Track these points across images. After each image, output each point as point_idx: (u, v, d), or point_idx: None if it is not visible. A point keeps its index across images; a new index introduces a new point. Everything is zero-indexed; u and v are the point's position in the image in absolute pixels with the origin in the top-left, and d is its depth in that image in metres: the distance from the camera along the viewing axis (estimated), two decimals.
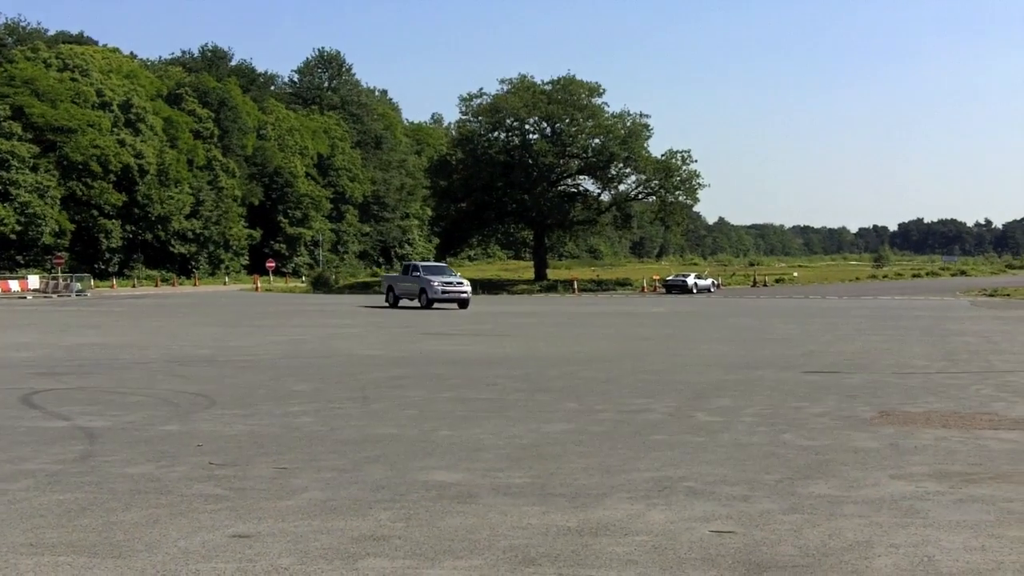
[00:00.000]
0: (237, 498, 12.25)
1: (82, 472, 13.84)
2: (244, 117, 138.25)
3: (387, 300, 68.80)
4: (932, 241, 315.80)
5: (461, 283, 65.31)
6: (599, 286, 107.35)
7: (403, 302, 67.90)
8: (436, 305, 65.09)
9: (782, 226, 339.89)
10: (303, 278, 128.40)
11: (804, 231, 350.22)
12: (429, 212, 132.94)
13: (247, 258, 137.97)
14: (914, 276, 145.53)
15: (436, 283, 64.07)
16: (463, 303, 64.72)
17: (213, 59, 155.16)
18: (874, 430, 17.34)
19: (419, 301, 65.20)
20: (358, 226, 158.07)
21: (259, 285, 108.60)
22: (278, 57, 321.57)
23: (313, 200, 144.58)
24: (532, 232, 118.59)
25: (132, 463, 14.42)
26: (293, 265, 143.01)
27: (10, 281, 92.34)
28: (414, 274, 66.98)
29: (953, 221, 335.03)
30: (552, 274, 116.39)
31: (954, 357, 30.91)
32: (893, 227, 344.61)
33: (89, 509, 11.74)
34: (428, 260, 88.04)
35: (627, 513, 11.55)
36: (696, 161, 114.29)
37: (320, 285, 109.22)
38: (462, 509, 11.70)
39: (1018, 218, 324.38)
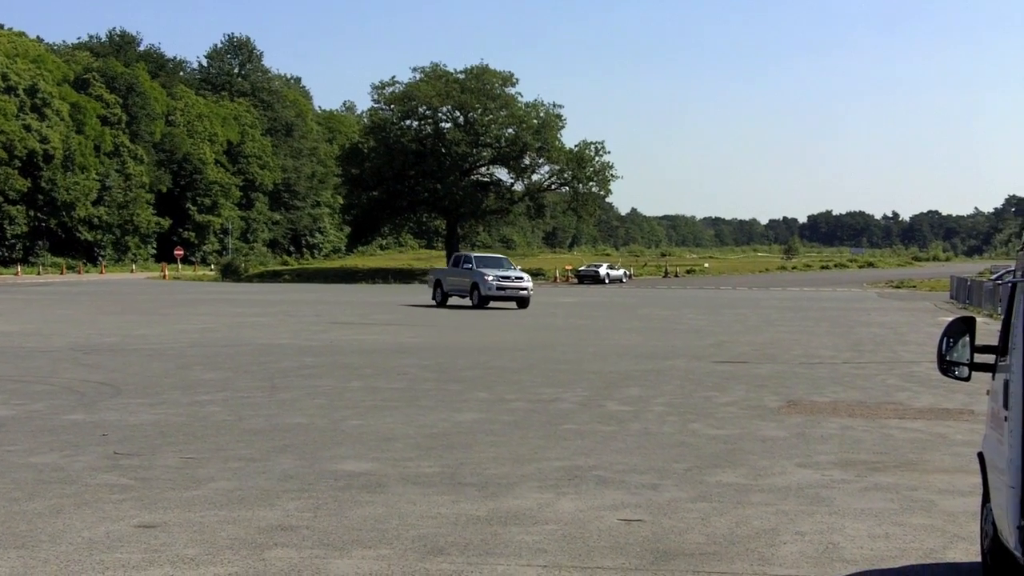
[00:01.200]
0: (143, 488, 12.11)
1: None
2: (152, 103, 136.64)
3: (434, 297, 58.35)
4: (840, 233, 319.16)
5: (521, 278, 55.09)
6: None
7: (453, 299, 57.42)
8: (492, 304, 55.37)
9: (694, 217, 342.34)
10: (212, 266, 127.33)
11: (715, 222, 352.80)
12: (340, 200, 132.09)
13: (155, 246, 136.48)
14: (823, 268, 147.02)
15: (490, 277, 54.12)
16: (522, 302, 54.08)
17: (121, 44, 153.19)
18: (782, 419, 17.54)
19: (471, 299, 55.17)
20: (268, 214, 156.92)
21: (167, 273, 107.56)
22: (187, 42, 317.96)
23: (222, 187, 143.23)
24: (445, 221, 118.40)
25: (36, 452, 14.23)
26: (202, 253, 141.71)
27: None
28: (465, 266, 56.63)
29: (861, 214, 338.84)
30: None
31: (860, 348, 31.36)
32: (803, 219, 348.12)
33: None
34: (480, 252, 70.79)
35: (537, 502, 11.57)
36: (609, 152, 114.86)
37: (229, 274, 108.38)
38: (371, 499, 11.65)
39: (924, 211, 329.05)
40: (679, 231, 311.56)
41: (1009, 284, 8.23)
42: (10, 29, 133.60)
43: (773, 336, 35.45)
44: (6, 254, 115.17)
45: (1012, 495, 7.55)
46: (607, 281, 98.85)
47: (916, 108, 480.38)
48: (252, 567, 9.14)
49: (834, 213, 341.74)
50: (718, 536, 10.23)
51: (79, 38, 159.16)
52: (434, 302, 57.51)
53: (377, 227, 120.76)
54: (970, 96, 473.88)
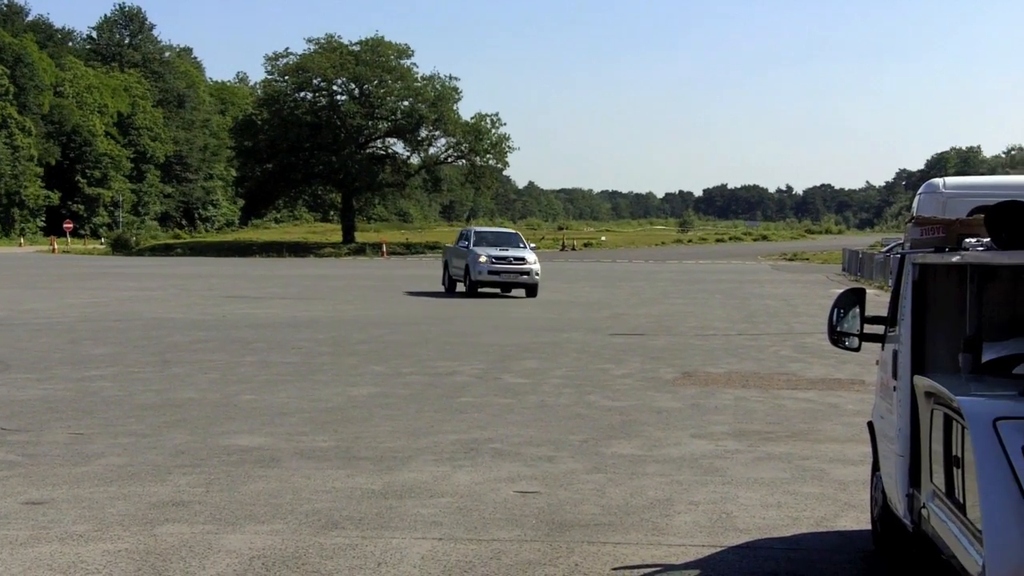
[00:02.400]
0: (30, 464, 11.95)
1: None
2: (41, 74, 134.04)
3: (443, 282, 47.16)
4: (736, 207, 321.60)
5: (522, 259, 42.54)
6: (408, 249, 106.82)
7: (459, 286, 44.94)
8: (487, 290, 44.13)
9: (591, 191, 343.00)
10: (102, 240, 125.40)
11: (612, 196, 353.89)
12: (234, 173, 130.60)
13: (44, 219, 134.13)
14: (718, 241, 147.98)
15: (483, 258, 42.19)
16: (530, 289, 42.23)
17: (8, 14, 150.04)
18: (676, 391, 17.68)
19: (464, 284, 43.92)
20: (160, 187, 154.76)
21: (56, 247, 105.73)
22: (77, 13, 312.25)
23: (113, 160, 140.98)
24: (340, 194, 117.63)
25: None
26: (92, 226, 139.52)
27: None
28: (462, 244, 45.40)
29: (756, 187, 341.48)
30: (361, 237, 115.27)
31: (754, 319, 31.70)
32: (698, 193, 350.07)
33: None
34: (486, 228, 54.04)
35: (433, 475, 11.56)
36: (505, 124, 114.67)
37: (120, 247, 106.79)
38: (264, 473, 11.57)
39: (818, 185, 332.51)
40: (576, 204, 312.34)
41: (898, 256, 8.34)
42: None
43: (669, 308, 35.70)
44: None
45: (901, 463, 7.67)
46: None
47: (810, 82, 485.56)
48: (143, 543, 9.04)
49: (729, 187, 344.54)
50: (613, 507, 10.28)
51: None
52: (443, 287, 46.50)
53: (271, 200, 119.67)
54: (863, 70, 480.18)
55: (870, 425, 9.07)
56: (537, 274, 42.01)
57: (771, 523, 9.82)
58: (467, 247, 43.28)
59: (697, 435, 13.82)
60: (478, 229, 47.52)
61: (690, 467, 12.01)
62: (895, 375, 7.92)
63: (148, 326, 28.30)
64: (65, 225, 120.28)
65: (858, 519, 9.92)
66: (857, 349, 8.91)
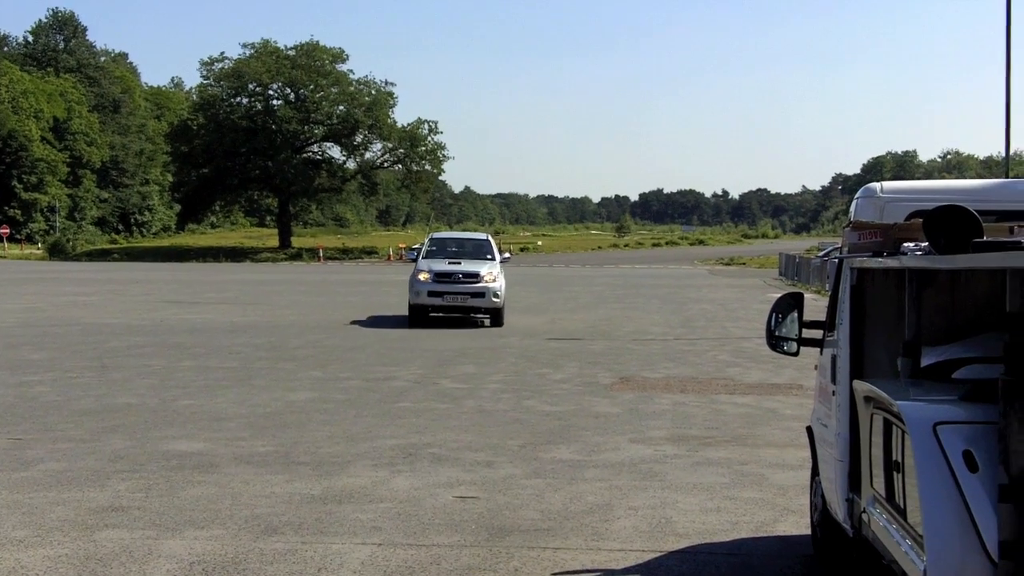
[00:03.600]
0: None
1: None
2: None
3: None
4: (672, 211, 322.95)
5: (474, 276, 31.53)
6: (345, 254, 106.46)
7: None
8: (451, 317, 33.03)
9: (527, 195, 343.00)
10: (39, 245, 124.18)
11: (548, 200, 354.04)
12: (170, 178, 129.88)
13: None
14: (654, 245, 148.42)
15: (423, 274, 31.63)
16: (492, 317, 31.68)
17: None
18: (614, 396, 17.73)
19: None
20: (96, 192, 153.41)
21: None
22: (11, 17, 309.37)
23: (49, 165, 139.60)
24: (276, 199, 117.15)
25: None
26: (28, 232, 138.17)
27: None
28: (410, 254, 38.79)
29: (692, 192, 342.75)
30: (297, 242, 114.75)
31: (692, 324, 31.80)
32: (634, 197, 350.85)
33: None
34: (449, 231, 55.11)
35: (371, 480, 11.55)
36: (442, 133, 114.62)
37: (57, 252, 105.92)
38: (203, 479, 11.52)
39: (753, 189, 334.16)
40: (512, 209, 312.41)
41: (836, 260, 8.40)
42: None
43: (606, 313, 35.77)
44: None
45: (840, 468, 7.72)
46: None
47: (745, 87, 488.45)
48: (83, 548, 9.00)
49: (665, 191, 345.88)
50: (552, 512, 10.31)
51: None
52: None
53: (208, 205, 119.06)
54: (798, 75, 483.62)
55: (809, 430, 9.13)
56: (497, 296, 30.87)
57: (711, 528, 9.87)
58: (415, 260, 33.13)
59: (635, 440, 13.87)
60: (437, 235, 36.70)
61: (629, 472, 12.05)
62: (834, 379, 7.98)
63: (86, 331, 28.06)
64: (1, 230, 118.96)
65: (798, 524, 9.99)
66: (796, 354, 8.97)
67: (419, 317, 31.05)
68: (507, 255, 35.95)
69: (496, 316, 31.11)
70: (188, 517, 10.01)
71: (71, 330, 28.33)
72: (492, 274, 31.29)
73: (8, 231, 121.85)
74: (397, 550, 9.06)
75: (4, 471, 11.79)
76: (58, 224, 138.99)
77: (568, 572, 8.60)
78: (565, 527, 9.81)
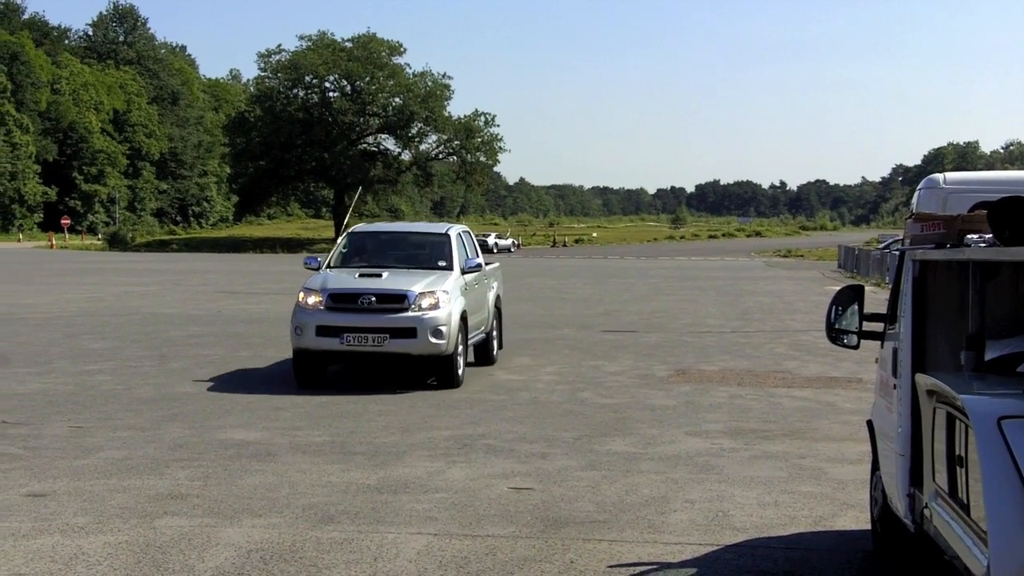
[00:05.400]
0: (31, 457, 12.00)
1: None
2: (38, 72, 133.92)
3: None
4: (728, 203, 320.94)
5: (398, 298, 17.60)
6: None
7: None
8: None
9: (582, 187, 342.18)
10: (99, 236, 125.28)
11: (603, 192, 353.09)
12: (227, 170, 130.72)
13: (42, 215, 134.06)
14: (710, 237, 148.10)
15: (313, 298, 17.86)
16: (439, 368, 17.85)
17: (5, 12, 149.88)
18: (670, 388, 17.64)
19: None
20: (155, 183, 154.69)
21: (54, 243, 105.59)
22: (72, 10, 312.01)
23: (109, 156, 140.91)
24: (332, 191, 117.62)
25: None
26: (89, 223, 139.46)
27: None
28: (311, 263, 20.41)
29: (749, 183, 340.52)
30: None
31: (748, 316, 31.56)
32: (690, 188, 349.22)
33: None
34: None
35: (427, 471, 11.55)
36: (499, 125, 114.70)
37: (116, 243, 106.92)
38: (261, 467, 11.58)
39: (812, 180, 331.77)
40: (567, 201, 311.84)
41: (897, 252, 8.31)
42: None
43: (661, 305, 35.62)
44: None
45: (902, 463, 7.63)
46: (495, 251, 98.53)
47: (804, 76, 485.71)
48: (142, 535, 9.09)
49: (722, 183, 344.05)
50: (608, 504, 10.27)
51: None
52: None
53: (265, 197, 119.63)
54: (858, 64, 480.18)
55: (869, 424, 9.03)
56: (439, 334, 17.42)
57: (768, 522, 9.80)
58: (318, 268, 19.48)
59: (692, 433, 13.80)
60: (360, 229, 21.53)
61: (685, 465, 11.99)
62: (895, 373, 7.89)
63: (145, 321, 28.27)
64: (63, 221, 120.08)
65: (857, 519, 9.88)
66: (856, 347, 8.87)
67: (310, 369, 17.65)
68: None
69: (443, 368, 17.62)
70: (246, 505, 10.06)
71: (130, 320, 28.55)
72: (435, 296, 17.63)
73: (69, 222, 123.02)
74: (452, 540, 9.07)
75: (65, 458, 11.91)
76: (118, 215, 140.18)
77: (624, 565, 8.56)
78: (621, 519, 9.77)
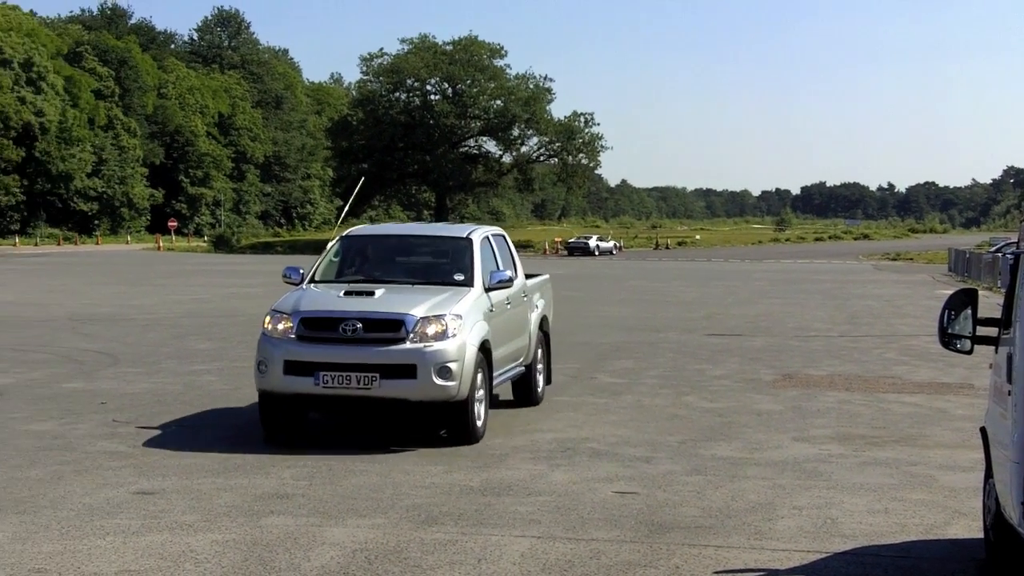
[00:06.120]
0: (140, 455, 12.22)
1: None
2: (144, 76, 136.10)
3: None
4: (835, 205, 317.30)
5: (392, 327, 13.00)
6: None
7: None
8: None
9: (684, 189, 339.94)
10: (204, 238, 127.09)
11: (706, 194, 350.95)
12: (330, 173, 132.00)
13: (149, 217, 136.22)
14: (816, 240, 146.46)
15: (283, 323, 13.26)
16: (449, 417, 13.15)
17: (112, 17, 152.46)
18: (776, 392, 17.44)
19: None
20: (259, 186, 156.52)
21: (161, 244, 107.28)
22: (177, 15, 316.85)
23: (214, 160, 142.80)
24: (434, 194, 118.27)
25: (36, 420, 14.35)
26: (195, 225, 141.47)
27: None
28: (291, 275, 14.79)
29: (856, 185, 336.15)
30: None
31: (856, 321, 31.09)
32: (796, 190, 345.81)
33: None
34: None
35: (530, 473, 11.53)
36: (599, 124, 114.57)
37: (221, 245, 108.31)
38: (365, 468, 11.63)
39: (921, 182, 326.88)
40: (669, 203, 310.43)
41: (1011, 256, 8.13)
42: (3, 2, 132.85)
43: (766, 308, 35.26)
44: (3, 225, 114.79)
45: (1016, 470, 7.45)
46: (597, 253, 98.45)
47: (912, 77, 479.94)
48: (249, 534, 9.20)
49: (828, 184, 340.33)
50: (713, 510, 10.17)
51: (71, 12, 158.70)
52: None
53: (367, 200, 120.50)
54: (968, 65, 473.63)
55: (983, 431, 8.85)
56: (446, 371, 12.81)
57: (878, 529, 9.63)
58: (299, 280, 14.68)
59: (799, 438, 13.62)
60: (359, 232, 16.34)
61: (792, 471, 11.83)
62: (1010, 379, 7.70)
63: (250, 322, 28.47)
64: (170, 223, 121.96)
65: (969, 527, 9.70)
66: (969, 352, 8.68)
67: (280, 418, 13.28)
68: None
69: (453, 418, 13.15)
70: (350, 505, 10.12)
71: (236, 321, 28.85)
72: (443, 321, 13.13)
73: (176, 224, 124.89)
74: (556, 543, 9.03)
75: (173, 457, 12.07)
76: (223, 217, 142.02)
77: (730, 571, 8.47)
78: (727, 525, 9.67)
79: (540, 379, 16.41)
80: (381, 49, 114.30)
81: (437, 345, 12.81)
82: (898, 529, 9.67)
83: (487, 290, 14.28)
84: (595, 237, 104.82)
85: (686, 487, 11.02)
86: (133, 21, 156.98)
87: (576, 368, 20.16)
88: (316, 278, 14.57)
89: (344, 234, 15.60)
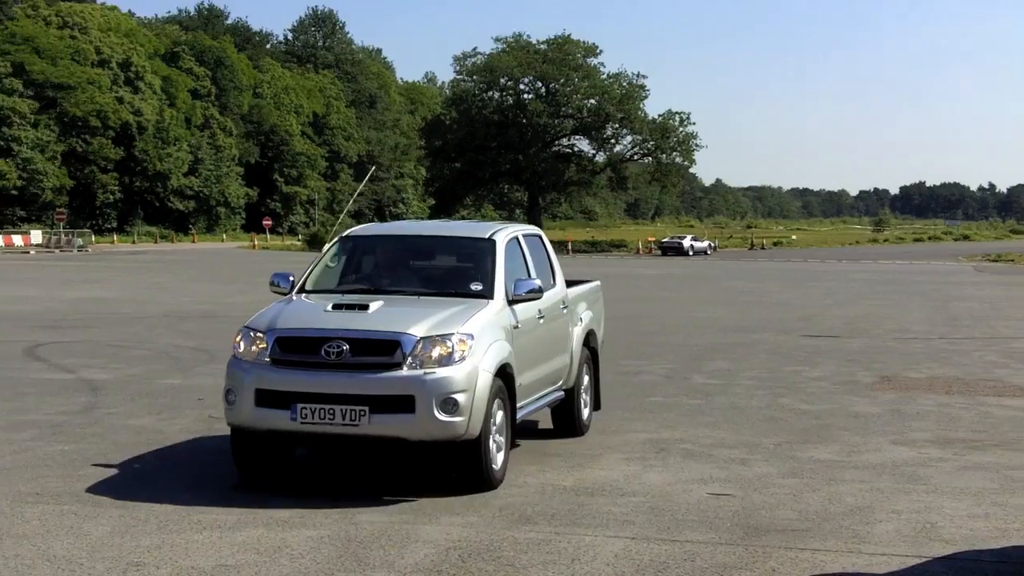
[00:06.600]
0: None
1: (85, 424, 13.95)
2: (240, 76, 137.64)
3: None
4: (934, 205, 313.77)
5: (386, 348, 10.47)
6: (594, 247, 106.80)
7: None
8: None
9: (780, 188, 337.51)
10: (299, 237, 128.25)
11: (803, 194, 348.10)
12: (423, 172, 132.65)
13: (244, 216, 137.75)
14: (915, 240, 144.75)
15: (257, 342, 11.23)
16: (458, 457, 10.66)
17: (209, 17, 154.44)
18: (875, 395, 17.21)
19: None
20: (353, 185, 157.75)
21: (256, 243, 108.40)
22: (272, 16, 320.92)
23: (308, 159, 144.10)
24: (526, 193, 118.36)
25: (134, 415, 14.56)
26: (289, 224, 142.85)
27: (13, 236, 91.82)
28: (280, 282, 12.54)
29: (956, 185, 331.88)
30: (546, 235, 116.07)
31: (956, 323, 30.57)
32: (894, 190, 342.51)
33: (93, 460, 11.84)
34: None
35: (623, 474, 11.47)
36: (694, 124, 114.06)
37: (315, 244, 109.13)
38: None
39: (1023, 182, 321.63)
40: (765, 203, 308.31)
41: None
42: (103, 3, 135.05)
43: (864, 310, 34.83)
44: (101, 223, 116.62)
45: None
46: (691, 253, 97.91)
47: (1014, 76, 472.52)
48: (344, 531, 9.25)
49: (927, 184, 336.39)
50: (810, 513, 10.05)
51: (168, 12, 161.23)
52: None
53: (459, 199, 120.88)
54: None
55: None
56: (451, 404, 10.31)
57: (979, 534, 9.46)
58: (288, 289, 12.37)
59: (897, 442, 13.43)
60: (360, 232, 13.51)
61: (891, 474, 11.66)
62: None
63: None
64: (265, 222, 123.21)
65: None
66: None
67: (253, 455, 11.12)
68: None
69: (463, 458, 10.66)
70: (444, 504, 10.14)
71: None
72: (448, 342, 10.59)
73: (271, 223, 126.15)
74: (650, 544, 8.98)
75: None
76: (317, 216, 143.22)
77: (827, 575, 8.36)
78: (824, 528, 9.55)
79: (584, 404, 13.89)
80: (475, 48, 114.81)
81: (441, 372, 10.38)
82: (999, 534, 9.49)
83: (511, 302, 11.70)
84: (689, 237, 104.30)
85: (782, 490, 10.90)
86: (229, 21, 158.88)
87: (670, 368, 20.06)
88: (308, 287, 12.20)
89: (344, 234, 13.22)
